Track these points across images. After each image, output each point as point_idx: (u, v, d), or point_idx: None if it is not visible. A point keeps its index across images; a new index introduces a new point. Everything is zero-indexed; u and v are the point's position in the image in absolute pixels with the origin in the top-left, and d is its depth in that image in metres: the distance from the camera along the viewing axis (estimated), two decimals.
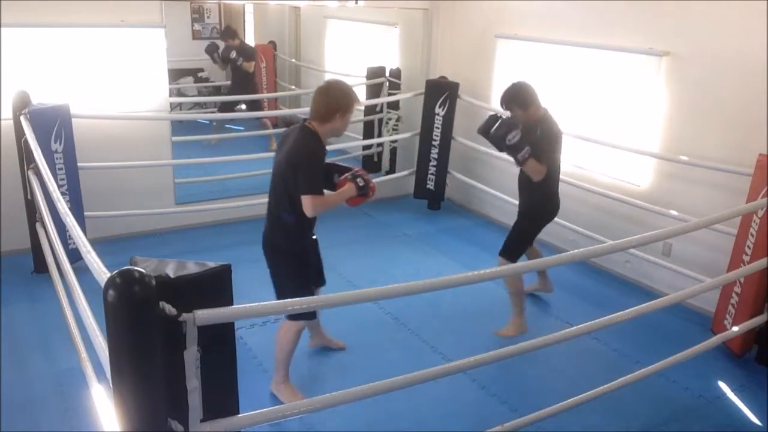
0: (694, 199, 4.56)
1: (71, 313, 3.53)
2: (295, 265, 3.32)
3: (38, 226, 4.55)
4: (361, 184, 3.24)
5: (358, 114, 7.41)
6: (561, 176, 5.35)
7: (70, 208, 2.98)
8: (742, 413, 3.52)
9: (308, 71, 9.39)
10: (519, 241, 4.08)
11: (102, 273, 2.02)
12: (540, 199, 4.08)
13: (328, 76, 8.66)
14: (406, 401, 3.34)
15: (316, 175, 3.09)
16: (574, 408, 3.00)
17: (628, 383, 3.17)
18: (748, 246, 3.87)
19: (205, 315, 1.88)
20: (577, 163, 5.36)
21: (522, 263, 2.90)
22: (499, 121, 3.83)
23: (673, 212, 4.57)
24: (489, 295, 4.68)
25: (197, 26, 10.17)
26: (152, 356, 1.78)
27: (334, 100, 3.08)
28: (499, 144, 3.81)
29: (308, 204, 3.04)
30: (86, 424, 3.10)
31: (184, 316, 1.83)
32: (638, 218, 4.91)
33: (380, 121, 7.03)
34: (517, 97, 3.86)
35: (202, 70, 9.85)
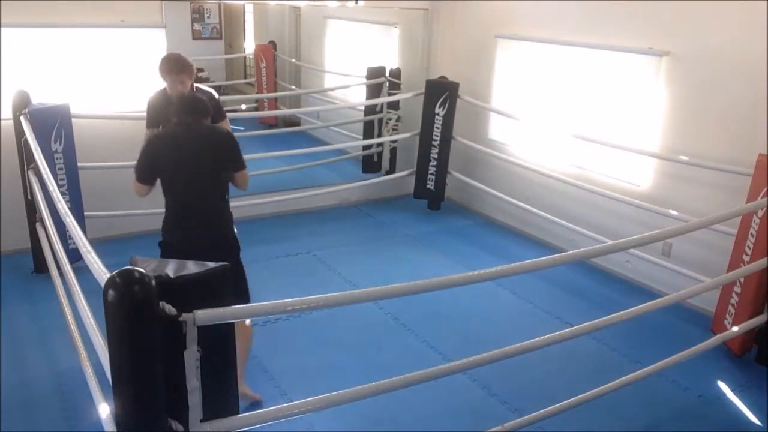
0: (694, 199, 4.56)
1: (71, 313, 3.53)
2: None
3: (38, 226, 4.55)
4: None
5: (358, 114, 7.43)
6: (561, 176, 5.41)
7: (70, 208, 2.98)
8: (742, 413, 3.52)
9: (308, 71, 9.38)
10: None
11: (102, 273, 2.02)
12: None
13: (328, 76, 8.67)
14: (406, 401, 3.34)
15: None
16: (574, 408, 3.00)
17: (628, 383, 3.17)
18: (748, 246, 3.87)
19: (205, 315, 1.88)
20: (577, 163, 5.37)
21: (522, 263, 2.89)
22: None
23: (673, 212, 4.57)
24: (489, 295, 4.69)
25: (197, 26, 10.17)
26: (152, 356, 1.78)
27: None
28: None
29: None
30: (86, 424, 3.10)
31: (184, 316, 1.83)
32: (638, 218, 4.91)
33: (380, 121, 7.03)
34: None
35: (202, 70, 9.84)
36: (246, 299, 3.16)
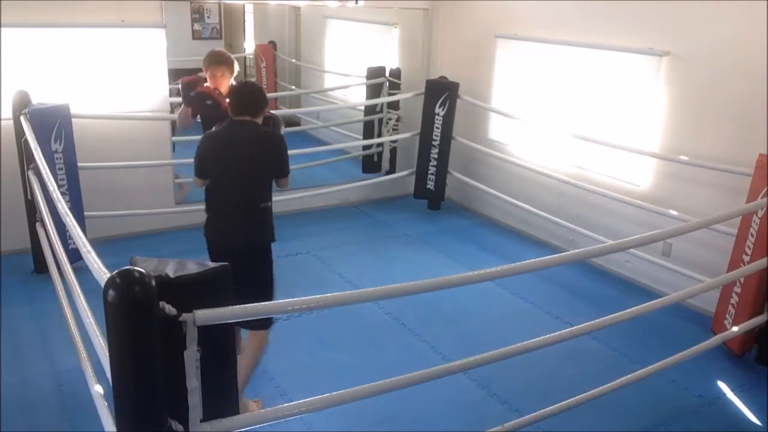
0: (694, 199, 4.56)
1: (71, 313, 3.53)
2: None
3: (38, 226, 4.55)
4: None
5: (358, 114, 7.43)
6: (561, 176, 5.41)
7: (70, 208, 2.98)
8: (742, 413, 3.52)
9: (308, 71, 9.38)
10: None
11: (102, 273, 2.02)
12: None
13: (328, 76, 8.67)
14: (406, 401, 3.34)
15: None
16: (574, 408, 3.00)
17: (628, 383, 3.17)
18: (748, 246, 3.87)
19: (205, 315, 1.88)
20: (577, 163, 5.37)
21: (522, 263, 2.88)
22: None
23: (673, 212, 4.57)
24: (489, 295, 4.69)
25: (197, 26, 10.17)
26: (152, 356, 1.78)
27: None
28: None
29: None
30: (86, 424, 3.10)
31: (184, 316, 1.83)
32: (638, 218, 4.91)
33: (380, 121, 7.03)
34: None
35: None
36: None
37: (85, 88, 4.99)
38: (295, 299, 2.17)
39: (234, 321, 2.07)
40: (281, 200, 6.07)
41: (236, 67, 4.22)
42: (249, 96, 3.18)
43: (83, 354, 3.20)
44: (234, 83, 4.00)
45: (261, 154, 3.15)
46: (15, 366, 3.65)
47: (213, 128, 3.29)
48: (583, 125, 5.22)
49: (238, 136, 3.13)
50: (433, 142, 6.33)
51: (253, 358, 3.20)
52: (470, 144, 6.23)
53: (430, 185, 6.48)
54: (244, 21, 10.82)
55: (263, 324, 3.13)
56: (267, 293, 3.16)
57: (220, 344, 2.02)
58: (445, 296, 4.37)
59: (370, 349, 4.01)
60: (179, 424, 1.91)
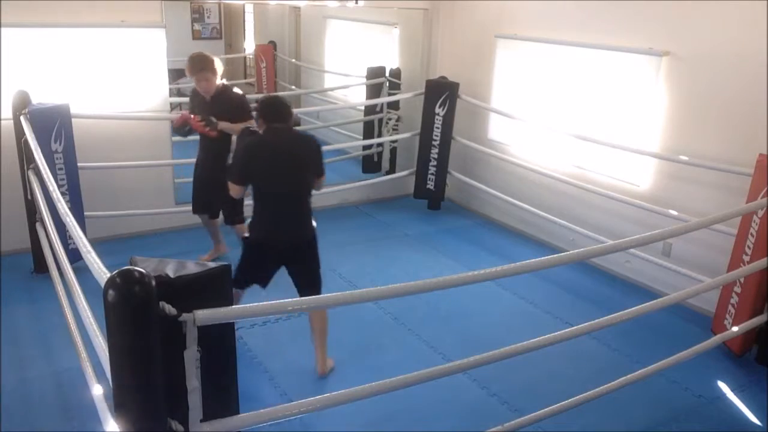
0: (694, 199, 4.56)
1: (71, 313, 3.53)
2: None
3: (38, 226, 4.55)
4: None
5: (358, 114, 7.43)
6: (561, 176, 5.41)
7: (70, 208, 2.98)
8: (742, 413, 3.52)
9: (308, 71, 9.38)
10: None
11: (102, 273, 2.02)
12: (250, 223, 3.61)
13: (328, 76, 8.67)
14: (406, 401, 3.34)
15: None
16: (574, 408, 3.00)
17: (628, 383, 3.17)
18: (748, 246, 3.87)
19: (205, 315, 1.88)
20: (577, 163, 5.37)
21: (522, 263, 2.86)
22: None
23: (673, 212, 4.57)
24: (489, 295, 4.69)
25: (197, 26, 10.17)
26: (152, 356, 1.78)
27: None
28: None
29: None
30: (86, 424, 3.10)
31: (184, 316, 1.83)
32: (638, 218, 4.91)
33: (380, 121, 7.03)
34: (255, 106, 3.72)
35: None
36: (318, 290, 3.55)
37: (85, 88, 4.98)
38: (295, 299, 2.18)
39: (232, 321, 2.07)
40: None
41: (219, 64, 4.27)
42: (282, 106, 3.43)
43: (83, 354, 3.21)
44: (263, 96, 3.85)
45: (304, 154, 3.43)
46: (15, 366, 3.65)
47: (247, 136, 3.49)
48: (583, 125, 5.22)
49: (281, 140, 3.39)
50: (433, 142, 6.33)
51: (321, 330, 3.60)
52: (470, 144, 6.23)
53: (430, 185, 6.48)
54: (244, 21, 10.82)
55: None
56: (318, 278, 3.57)
57: (220, 344, 2.03)
58: (445, 296, 4.37)
59: (370, 349, 4.01)
60: (179, 424, 1.91)
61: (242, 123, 4.07)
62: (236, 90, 4.47)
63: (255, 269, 3.49)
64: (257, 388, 3.44)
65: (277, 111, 3.40)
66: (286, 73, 9.92)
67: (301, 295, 3.51)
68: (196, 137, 4.53)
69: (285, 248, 3.46)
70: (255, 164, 3.36)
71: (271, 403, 2.32)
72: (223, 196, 3.67)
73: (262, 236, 3.45)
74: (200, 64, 4.17)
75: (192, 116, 4.22)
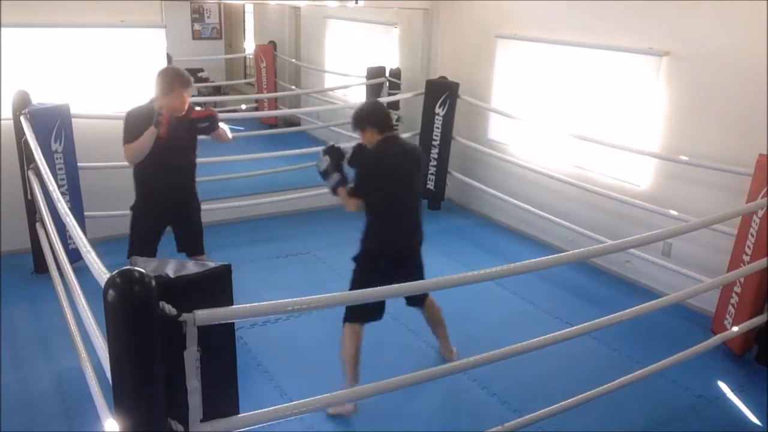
0: (694, 199, 4.56)
1: (71, 313, 3.53)
2: None
3: (38, 226, 4.55)
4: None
5: None
6: (561, 176, 5.41)
7: (70, 208, 2.98)
8: (742, 413, 3.52)
9: (308, 71, 9.39)
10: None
11: (102, 273, 2.02)
12: (365, 237, 3.44)
13: (328, 76, 8.67)
14: (406, 401, 3.34)
15: None
16: (574, 408, 3.00)
17: (628, 383, 3.17)
18: (748, 246, 3.87)
19: (205, 315, 1.88)
20: (577, 163, 5.37)
21: (522, 263, 2.86)
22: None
23: (673, 212, 4.57)
24: (489, 295, 4.68)
25: (197, 26, 10.19)
26: (152, 356, 1.78)
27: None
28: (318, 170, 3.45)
29: None
30: (86, 424, 3.10)
31: (184, 316, 1.83)
32: (638, 218, 4.91)
33: None
34: (355, 115, 3.42)
35: (201, 70, 9.85)
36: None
37: (85, 88, 4.98)
38: (295, 299, 2.17)
39: (232, 321, 2.07)
40: (282, 200, 6.09)
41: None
42: (389, 113, 3.47)
43: (83, 354, 3.20)
44: (364, 105, 3.59)
45: (418, 163, 3.51)
46: (15, 366, 3.65)
47: (358, 146, 3.38)
48: (583, 125, 5.22)
49: (400, 150, 3.39)
50: (433, 142, 6.33)
51: (439, 319, 3.80)
52: (470, 144, 6.23)
53: (430, 185, 6.48)
54: (244, 21, 10.83)
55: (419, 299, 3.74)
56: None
57: (220, 344, 2.02)
58: (445, 296, 4.36)
59: (370, 349, 4.00)
60: (179, 424, 1.91)
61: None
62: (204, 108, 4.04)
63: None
64: (257, 388, 3.44)
65: (388, 119, 3.38)
66: (286, 73, 9.92)
67: (414, 303, 3.69)
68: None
69: (409, 258, 3.48)
70: (383, 178, 3.30)
71: (271, 403, 2.32)
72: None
73: (390, 248, 3.37)
74: (190, 80, 3.66)
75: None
